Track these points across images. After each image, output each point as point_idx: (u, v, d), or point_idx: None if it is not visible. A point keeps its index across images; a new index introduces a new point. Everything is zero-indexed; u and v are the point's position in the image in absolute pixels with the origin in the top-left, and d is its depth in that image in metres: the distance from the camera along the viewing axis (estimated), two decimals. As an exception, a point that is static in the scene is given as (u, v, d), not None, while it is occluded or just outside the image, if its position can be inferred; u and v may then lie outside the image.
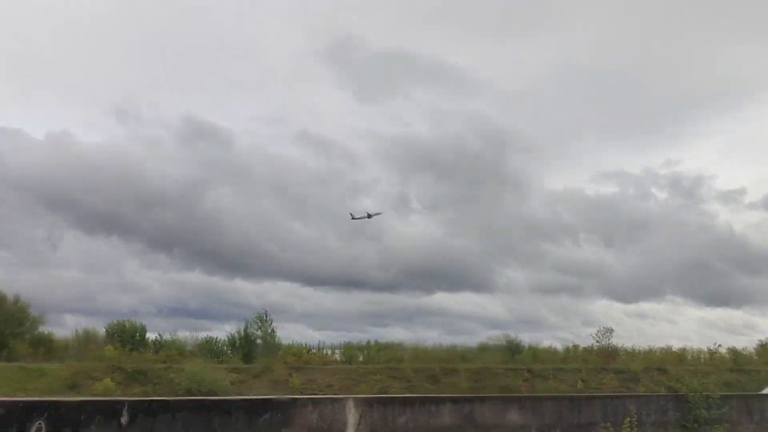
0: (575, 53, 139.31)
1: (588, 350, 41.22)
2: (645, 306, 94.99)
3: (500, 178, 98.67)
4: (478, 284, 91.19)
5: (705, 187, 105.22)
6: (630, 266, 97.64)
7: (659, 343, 61.42)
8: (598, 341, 40.41)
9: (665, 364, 36.84)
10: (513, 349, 41.44)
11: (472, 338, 65.32)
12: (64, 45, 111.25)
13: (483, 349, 44.32)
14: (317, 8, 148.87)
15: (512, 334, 48.54)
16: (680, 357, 40.29)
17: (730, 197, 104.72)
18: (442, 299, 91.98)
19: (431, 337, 61.85)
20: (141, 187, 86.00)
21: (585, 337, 64.95)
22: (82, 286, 74.29)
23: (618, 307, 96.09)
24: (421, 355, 41.24)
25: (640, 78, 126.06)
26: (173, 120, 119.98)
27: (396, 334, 61.63)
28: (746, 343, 64.08)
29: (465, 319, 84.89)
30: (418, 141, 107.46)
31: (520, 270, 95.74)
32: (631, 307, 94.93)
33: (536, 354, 40.53)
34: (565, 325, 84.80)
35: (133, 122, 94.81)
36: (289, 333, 63.13)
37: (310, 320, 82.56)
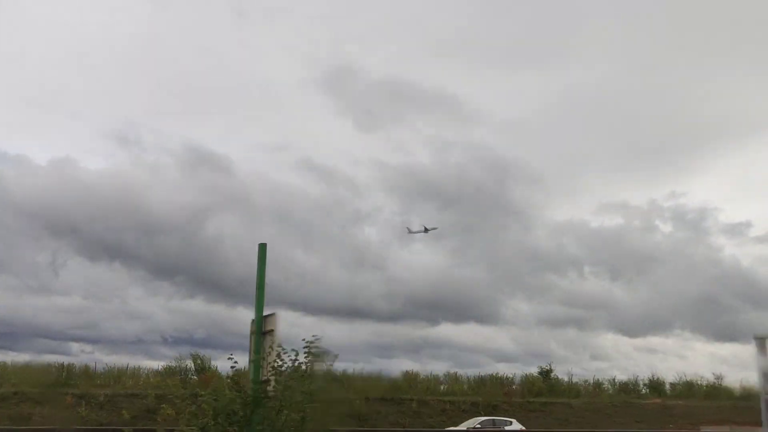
0: (582, 85, 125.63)
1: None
2: (653, 340, 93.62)
3: (504, 208, 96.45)
4: (484, 316, 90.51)
5: (710, 220, 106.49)
6: (636, 300, 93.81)
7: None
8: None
9: None
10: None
11: (480, 370, 62.59)
12: (67, 72, 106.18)
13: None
14: (317, 37, 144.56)
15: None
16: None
17: (736, 230, 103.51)
18: (447, 330, 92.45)
19: (439, 368, 59.61)
20: (143, 213, 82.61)
21: (594, 371, 66.59)
22: (85, 312, 72.88)
23: (626, 341, 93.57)
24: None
25: (646, 111, 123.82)
26: (175, 147, 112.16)
27: (403, 365, 61.59)
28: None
29: (472, 351, 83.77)
30: (420, 170, 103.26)
31: (526, 302, 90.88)
32: (639, 341, 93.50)
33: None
34: (574, 359, 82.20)
35: (135, 148, 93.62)
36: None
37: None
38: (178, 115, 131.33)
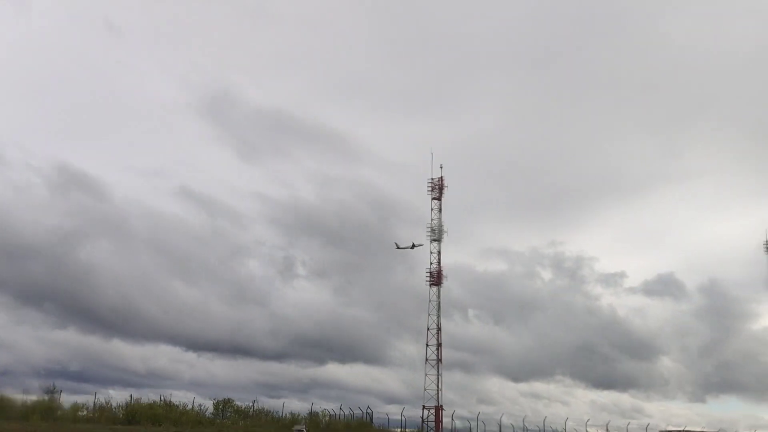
0: (471, 135, 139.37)
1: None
2: (537, 385, 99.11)
3: (389, 247, 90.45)
4: (371, 356, 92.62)
5: (586, 269, 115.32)
6: (519, 345, 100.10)
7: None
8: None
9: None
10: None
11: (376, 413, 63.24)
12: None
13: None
14: (200, 62, 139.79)
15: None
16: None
17: (611, 280, 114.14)
18: (335, 370, 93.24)
19: (329, 409, 59.70)
20: (8, 235, 78.82)
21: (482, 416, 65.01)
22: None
23: (511, 385, 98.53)
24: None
25: (532, 163, 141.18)
26: (44, 166, 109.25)
27: (292, 406, 59.99)
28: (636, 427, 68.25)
29: (361, 392, 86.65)
30: (304, 205, 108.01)
31: (412, 343, 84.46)
32: (524, 386, 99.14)
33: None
34: (461, 403, 79.40)
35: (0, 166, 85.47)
36: (182, 401, 57.85)
37: (200, 389, 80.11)
38: (49, 133, 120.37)
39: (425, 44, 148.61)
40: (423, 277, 68.87)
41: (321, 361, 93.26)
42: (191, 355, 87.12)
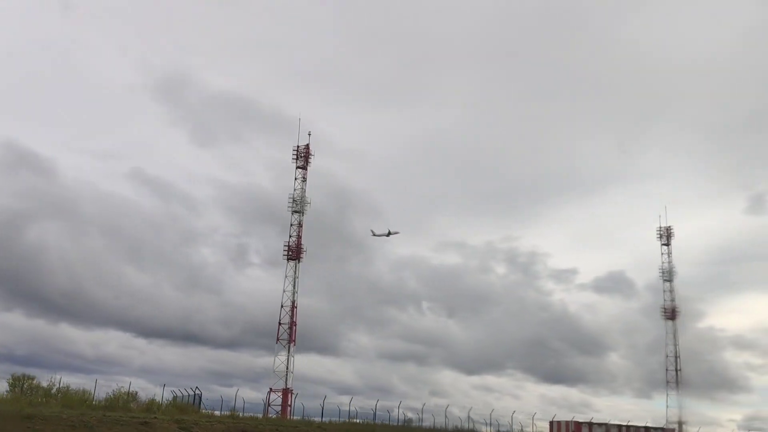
0: (433, 130, 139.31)
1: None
2: (489, 379, 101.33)
3: (345, 238, 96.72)
4: (325, 347, 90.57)
5: (539, 265, 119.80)
6: (472, 338, 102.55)
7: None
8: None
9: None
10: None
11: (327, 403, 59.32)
12: None
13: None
14: (156, 43, 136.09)
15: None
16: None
17: (563, 276, 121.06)
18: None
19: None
20: None
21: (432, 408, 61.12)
22: None
23: (463, 378, 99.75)
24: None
25: (492, 159, 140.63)
26: None
27: (244, 395, 56.09)
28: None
29: (315, 383, 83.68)
30: (260, 192, 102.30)
31: (367, 335, 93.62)
32: (476, 379, 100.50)
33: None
34: (414, 395, 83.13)
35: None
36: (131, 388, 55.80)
37: (151, 376, 76.44)
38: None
39: (390, 37, 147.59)
40: (377, 270, 65.30)
41: (273, 349, 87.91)
42: (141, 342, 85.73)
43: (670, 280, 79.34)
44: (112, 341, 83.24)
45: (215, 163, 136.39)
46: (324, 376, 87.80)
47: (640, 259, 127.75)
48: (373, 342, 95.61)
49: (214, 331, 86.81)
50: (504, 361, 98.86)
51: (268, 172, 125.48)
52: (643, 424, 71.70)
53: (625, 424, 69.33)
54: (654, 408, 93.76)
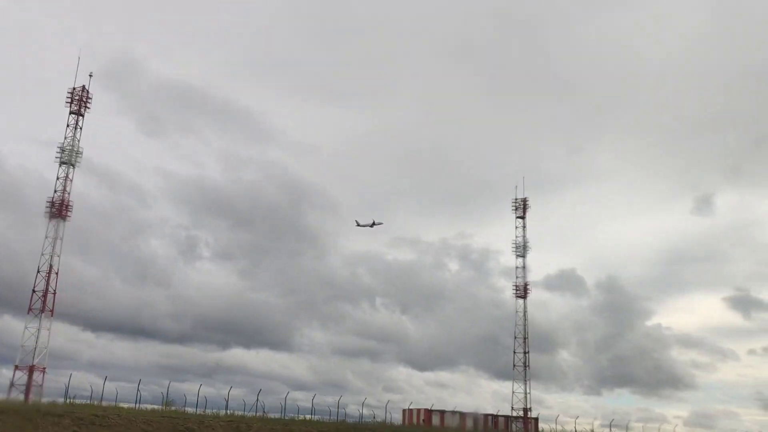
0: (391, 126, 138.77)
1: None
2: (442, 375, 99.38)
3: (299, 232, 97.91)
4: (278, 342, 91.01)
5: (492, 261, 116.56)
6: (425, 334, 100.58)
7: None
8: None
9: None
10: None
11: (277, 399, 57.94)
12: None
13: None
14: (100, 27, 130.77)
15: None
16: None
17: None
18: (240, 355, 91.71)
19: (234, 395, 51.72)
20: None
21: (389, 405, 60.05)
22: None
23: (417, 374, 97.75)
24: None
25: (449, 157, 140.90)
26: None
27: (196, 390, 53.21)
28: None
29: (268, 378, 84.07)
30: (211, 184, 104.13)
31: (321, 330, 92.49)
32: (430, 375, 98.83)
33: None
34: (368, 390, 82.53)
35: None
36: (80, 383, 52.69)
37: (101, 370, 73.63)
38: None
39: (347, 32, 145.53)
40: (331, 265, 61.35)
41: (225, 345, 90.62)
42: (89, 335, 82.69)
43: (523, 256, 73.18)
44: (58, 334, 75.50)
45: (164, 153, 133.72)
46: (278, 371, 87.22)
47: (591, 257, 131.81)
48: (326, 338, 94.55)
49: (164, 325, 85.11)
50: (457, 357, 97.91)
51: (219, 164, 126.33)
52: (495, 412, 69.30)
53: (482, 413, 68.43)
54: (604, 404, 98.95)
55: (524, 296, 72.53)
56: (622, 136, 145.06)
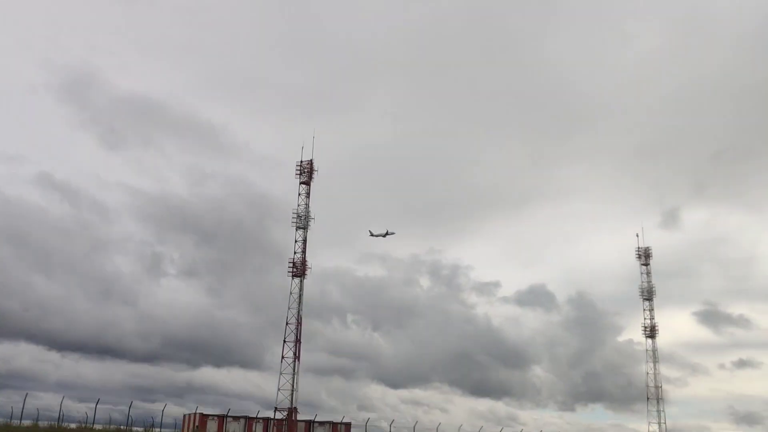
0: (362, 142, 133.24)
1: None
2: (416, 392, 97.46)
3: (265, 247, 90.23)
4: (248, 360, 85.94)
5: (462, 277, 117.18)
6: (398, 351, 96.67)
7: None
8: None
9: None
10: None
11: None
12: None
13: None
14: (59, 39, 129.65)
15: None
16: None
17: (485, 289, 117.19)
18: (210, 374, 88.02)
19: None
20: None
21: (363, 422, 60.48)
22: None
23: (391, 392, 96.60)
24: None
25: (420, 173, 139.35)
26: None
27: (168, 410, 55.84)
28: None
29: (241, 398, 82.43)
30: (175, 199, 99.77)
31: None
32: (404, 393, 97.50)
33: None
34: (342, 410, 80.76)
35: None
36: (48, 404, 56.36)
37: (69, 391, 72.20)
38: None
39: (316, 47, 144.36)
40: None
41: (195, 364, 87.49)
42: (54, 355, 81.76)
43: (304, 228, 62.48)
44: (24, 355, 78.58)
45: (126, 168, 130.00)
46: (250, 390, 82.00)
47: (562, 273, 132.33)
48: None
49: (131, 344, 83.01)
50: (430, 374, 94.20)
51: (183, 179, 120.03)
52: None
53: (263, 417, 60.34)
54: (578, 420, 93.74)
55: (301, 276, 61.21)
56: (592, 152, 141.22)
